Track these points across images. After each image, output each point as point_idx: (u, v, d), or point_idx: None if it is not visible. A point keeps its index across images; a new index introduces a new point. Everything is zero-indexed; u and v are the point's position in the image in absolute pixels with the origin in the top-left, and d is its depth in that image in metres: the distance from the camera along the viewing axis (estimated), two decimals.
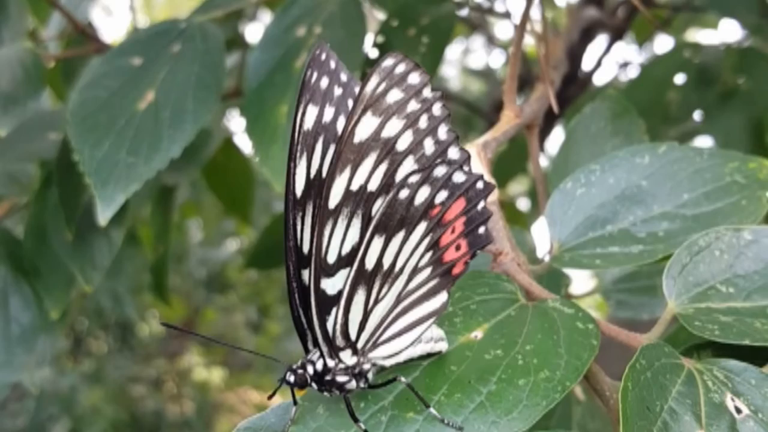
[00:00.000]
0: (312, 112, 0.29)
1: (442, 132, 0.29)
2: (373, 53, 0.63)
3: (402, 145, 0.28)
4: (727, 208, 0.38)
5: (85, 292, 0.60)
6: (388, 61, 0.28)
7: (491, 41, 1.49)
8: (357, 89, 0.28)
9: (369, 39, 0.62)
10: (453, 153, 0.29)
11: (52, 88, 0.73)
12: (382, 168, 0.28)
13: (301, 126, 0.29)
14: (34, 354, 0.57)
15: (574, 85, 0.97)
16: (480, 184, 0.29)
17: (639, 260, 0.37)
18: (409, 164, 0.28)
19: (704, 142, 0.84)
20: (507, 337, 0.31)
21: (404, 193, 0.28)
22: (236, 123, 1.02)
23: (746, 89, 0.78)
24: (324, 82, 0.29)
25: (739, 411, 0.28)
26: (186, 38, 0.56)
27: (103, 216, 0.48)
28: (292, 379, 0.29)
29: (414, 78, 0.28)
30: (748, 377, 0.29)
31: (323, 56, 0.29)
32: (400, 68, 0.28)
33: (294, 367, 0.30)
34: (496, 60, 1.64)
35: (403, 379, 0.29)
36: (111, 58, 0.56)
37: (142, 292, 1.64)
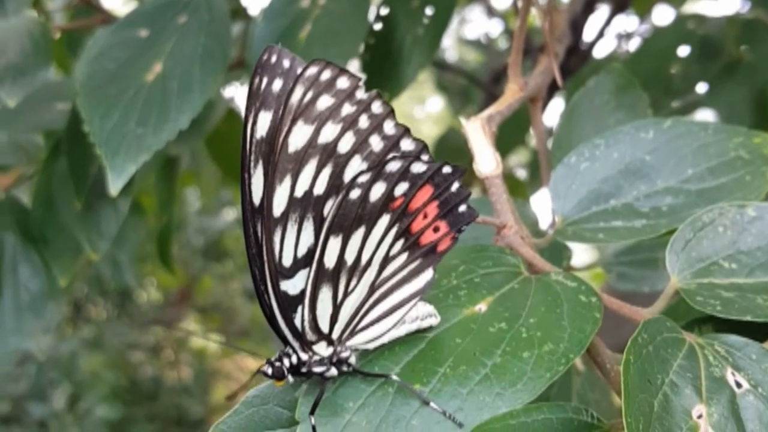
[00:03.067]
0: (265, 118, 0.29)
1: (389, 127, 0.29)
2: (377, 25, 0.63)
3: (344, 147, 0.29)
4: (731, 184, 0.38)
5: (90, 259, 0.61)
6: (312, 70, 0.28)
7: (490, 11, 1.48)
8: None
9: (373, 11, 0.62)
10: (406, 145, 0.29)
11: (55, 59, 0.73)
12: (327, 172, 0.29)
13: (252, 135, 0.28)
14: (43, 321, 0.58)
15: (576, 57, 0.97)
16: (447, 169, 0.30)
17: (642, 235, 0.38)
18: (356, 164, 0.29)
19: (706, 114, 0.84)
20: (511, 310, 0.32)
21: (355, 193, 0.29)
22: (240, 93, 1.02)
23: (750, 61, 0.77)
24: (277, 85, 0.29)
25: (739, 385, 0.29)
26: (192, 9, 0.56)
27: (115, 186, 0.48)
28: (269, 371, 0.30)
29: (343, 82, 0.28)
30: (748, 352, 0.30)
31: (273, 59, 0.29)
32: (326, 75, 0.28)
33: (272, 359, 0.30)
34: (494, 30, 1.63)
35: (394, 376, 0.29)
36: (118, 29, 0.56)
37: (141, 260, 1.65)
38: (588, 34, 0.98)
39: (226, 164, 0.89)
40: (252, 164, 0.29)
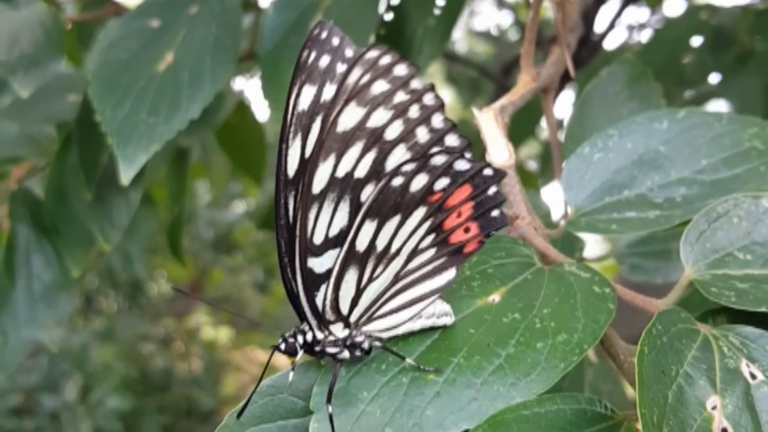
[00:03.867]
0: (308, 92, 0.29)
1: (437, 121, 0.29)
2: (388, 16, 0.62)
3: (391, 134, 0.29)
4: (745, 175, 0.38)
5: (102, 251, 0.61)
6: (372, 53, 0.28)
7: (500, 2, 1.48)
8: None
9: (383, 1, 0.62)
10: (451, 140, 0.30)
11: (66, 52, 0.73)
12: (370, 156, 0.29)
13: (295, 107, 0.29)
14: (56, 311, 0.58)
15: (587, 48, 0.97)
16: (488, 171, 0.30)
17: (655, 226, 0.37)
18: (400, 153, 0.29)
19: (719, 105, 0.83)
20: (524, 300, 0.32)
21: (398, 181, 0.29)
22: (250, 85, 1.02)
23: (763, 51, 0.77)
24: (324, 61, 0.29)
25: (753, 377, 0.28)
26: (203, 0, 0.56)
27: (126, 175, 0.49)
28: (283, 346, 0.30)
29: (401, 70, 0.28)
30: (763, 343, 0.30)
31: (323, 35, 0.29)
32: (385, 60, 0.28)
33: (286, 335, 0.30)
34: (504, 21, 1.63)
35: (409, 360, 0.29)
36: (130, 20, 0.56)
37: (152, 252, 1.65)
38: (599, 25, 0.98)
39: (236, 156, 0.89)
40: (291, 135, 0.29)
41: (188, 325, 2.39)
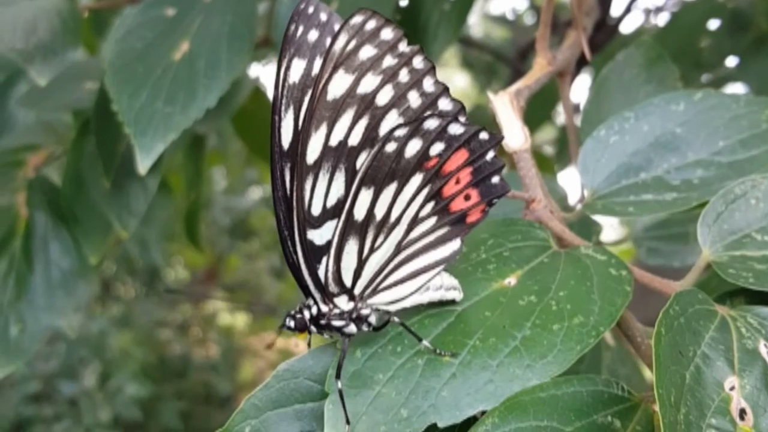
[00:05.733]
0: (298, 65, 0.29)
1: (428, 84, 0.29)
2: (403, 1, 0.62)
3: (382, 99, 0.28)
4: (763, 156, 0.37)
5: (120, 238, 0.62)
6: (357, 18, 0.28)
7: None
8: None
9: None
10: (444, 104, 0.29)
11: (81, 39, 0.73)
12: (363, 123, 0.28)
13: (285, 80, 0.29)
14: (75, 298, 0.59)
15: (603, 32, 0.96)
16: (484, 135, 0.29)
17: (673, 208, 0.37)
18: (392, 118, 0.29)
19: (736, 89, 0.83)
20: (540, 283, 0.32)
21: (391, 147, 0.28)
22: (265, 72, 1.02)
23: None
24: (312, 35, 0.29)
25: None
26: None
27: (143, 165, 0.49)
28: (292, 324, 0.30)
29: (387, 34, 0.28)
30: None
31: (310, 9, 0.29)
32: (371, 24, 0.28)
33: (293, 312, 0.31)
34: (520, 5, 1.62)
35: (425, 342, 0.29)
36: (145, 8, 0.56)
37: (169, 239, 1.66)
38: (615, 9, 0.97)
39: (252, 142, 0.89)
40: (283, 108, 0.29)
41: (205, 311, 2.40)
